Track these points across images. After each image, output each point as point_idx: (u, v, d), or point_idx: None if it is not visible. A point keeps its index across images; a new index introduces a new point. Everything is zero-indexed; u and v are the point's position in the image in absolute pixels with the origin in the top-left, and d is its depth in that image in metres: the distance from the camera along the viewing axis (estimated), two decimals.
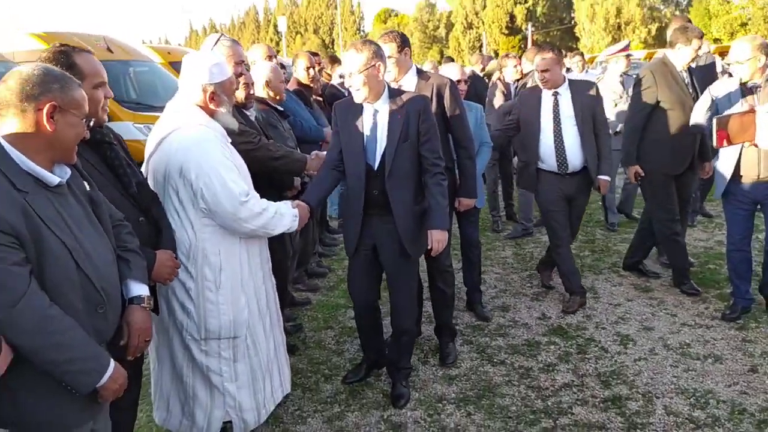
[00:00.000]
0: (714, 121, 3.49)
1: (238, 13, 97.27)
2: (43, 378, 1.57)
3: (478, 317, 4.13)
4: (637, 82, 4.24)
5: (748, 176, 3.58)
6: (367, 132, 2.89)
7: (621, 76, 5.98)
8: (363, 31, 73.47)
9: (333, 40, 70.64)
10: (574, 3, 50.66)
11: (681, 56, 4.12)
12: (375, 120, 2.89)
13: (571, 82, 4.09)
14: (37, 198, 1.56)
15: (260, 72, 3.65)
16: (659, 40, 43.83)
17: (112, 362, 1.68)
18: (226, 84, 2.50)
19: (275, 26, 73.09)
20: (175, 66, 9.56)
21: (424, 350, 3.70)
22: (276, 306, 2.76)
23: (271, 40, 75.81)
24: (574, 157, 4.02)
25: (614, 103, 5.82)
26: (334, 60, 7.03)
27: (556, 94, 4.03)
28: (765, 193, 3.61)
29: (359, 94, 2.82)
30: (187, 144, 2.31)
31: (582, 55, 8.32)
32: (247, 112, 3.30)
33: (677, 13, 54.09)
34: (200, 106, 2.43)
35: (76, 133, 1.66)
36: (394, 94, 2.91)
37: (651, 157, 4.19)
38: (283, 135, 3.68)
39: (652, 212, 4.43)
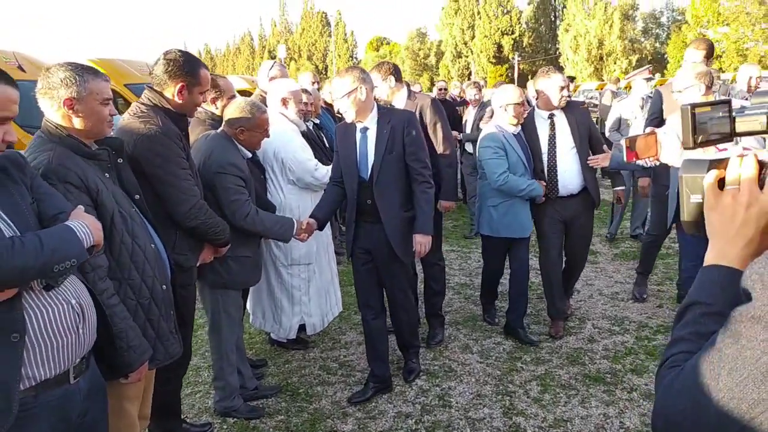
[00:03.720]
0: (623, 140, 4.61)
1: (234, 39, 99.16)
2: (243, 258, 2.96)
3: (519, 340, 4.10)
4: None
5: None
6: (359, 148, 3.20)
7: (642, 99, 5.98)
8: (356, 57, 75.65)
9: (327, 67, 72.60)
10: (558, 35, 53.01)
11: None
12: (366, 136, 3.18)
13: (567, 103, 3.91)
14: None
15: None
16: None
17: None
18: (296, 93, 3.81)
19: (270, 52, 75.08)
20: None
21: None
22: (332, 249, 4.07)
23: None
24: (570, 181, 3.90)
25: (628, 123, 5.99)
26: None
27: (551, 116, 3.91)
28: None
29: (348, 116, 3.13)
30: (276, 136, 3.52)
31: (572, 79, 9.39)
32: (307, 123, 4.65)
33: (657, 44, 56.42)
34: (279, 111, 3.77)
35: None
36: (384, 111, 3.20)
37: None
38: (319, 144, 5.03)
39: None
